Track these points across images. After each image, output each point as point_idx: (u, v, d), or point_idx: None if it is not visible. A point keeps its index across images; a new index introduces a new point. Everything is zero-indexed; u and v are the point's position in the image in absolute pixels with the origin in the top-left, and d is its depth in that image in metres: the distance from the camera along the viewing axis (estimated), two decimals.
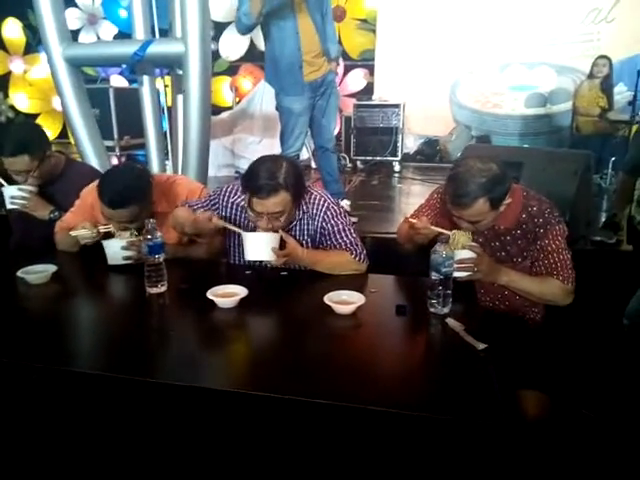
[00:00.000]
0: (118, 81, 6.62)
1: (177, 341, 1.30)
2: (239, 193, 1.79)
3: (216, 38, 6.33)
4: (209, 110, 2.97)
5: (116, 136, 5.40)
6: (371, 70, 6.03)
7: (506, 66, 5.66)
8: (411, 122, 5.70)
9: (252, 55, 6.46)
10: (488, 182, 1.49)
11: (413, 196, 4.31)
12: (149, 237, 1.52)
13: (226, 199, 1.81)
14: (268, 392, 1.04)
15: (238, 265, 1.84)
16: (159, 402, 1.13)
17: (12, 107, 7.17)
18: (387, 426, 1.00)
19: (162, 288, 1.56)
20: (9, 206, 1.97)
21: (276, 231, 1.63)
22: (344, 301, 1.41)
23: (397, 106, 5.21)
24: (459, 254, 1.49)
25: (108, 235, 1.80)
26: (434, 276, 1.38)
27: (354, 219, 3.21)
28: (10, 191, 1.95)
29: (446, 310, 1.39)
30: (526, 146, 5.27)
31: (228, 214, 1.81)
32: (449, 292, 1.39)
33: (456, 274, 1.45)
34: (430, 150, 5.71)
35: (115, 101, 5.29)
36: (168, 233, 1.89)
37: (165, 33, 3.61)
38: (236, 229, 1.67)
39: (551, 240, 1.61)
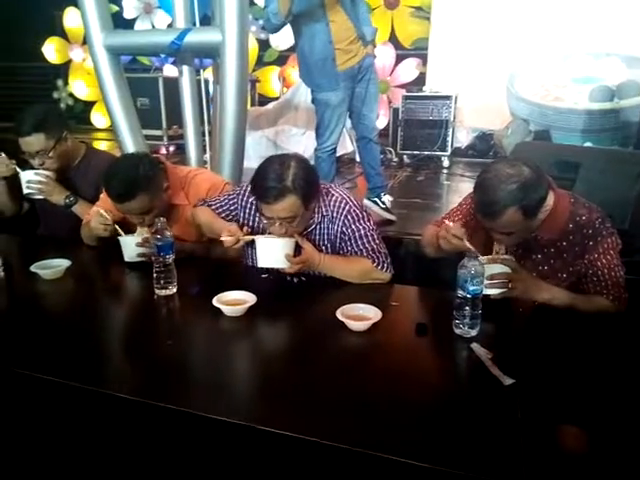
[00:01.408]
0: (171, 71, 6.70)
1: (173, 354, 1.21)
2: None
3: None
4: (245, 101, 2.89)
5: (164, 125, 5.46)
6: (424, 60, 5.78)
7: (570, 56, 5.24)
8: (464, 115, 5.41)
9: None
10: (519, 189, 1.31)
11: (462, 194, 4.02)
12: (158, 236, 1.45)
13: (245, 199, 1.72)
14: (264, 425, 0.93)
15: (254, 267, 1.75)
16: (142, 421, 1.05)
17: (71, 95, 7.43)
18: (387, 473, 0.87)
19: (171, 290, 1.49)
20: (25, 191, 1.95)
21: (291, 236, 1.52)
22: (359, 316, 1.29)
23: (449, 98, 4.94)
24: (491, 268, 1.32)
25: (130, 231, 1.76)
26: (460, 294, 1.23)
27: (393, 217, 3.05)
28: (27, 176, 1.94)
29: (473, 333, 1.23)
30: (588, 144, 4.88)
31: (247, 215, 1.72)
32: (477, 313, 1.24)
33: (487, 291, 1.29)
34: (483, 145, 5.40)
35: (164, 90, 5.34)
36: (187, 228, 1.83)
37: (209, 22, 3.56)
38: (251, 238, 1.57)
39: (601, 254, 1.42)
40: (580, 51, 5.21)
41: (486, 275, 1.28)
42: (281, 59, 6.46)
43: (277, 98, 5.82)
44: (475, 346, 1.18)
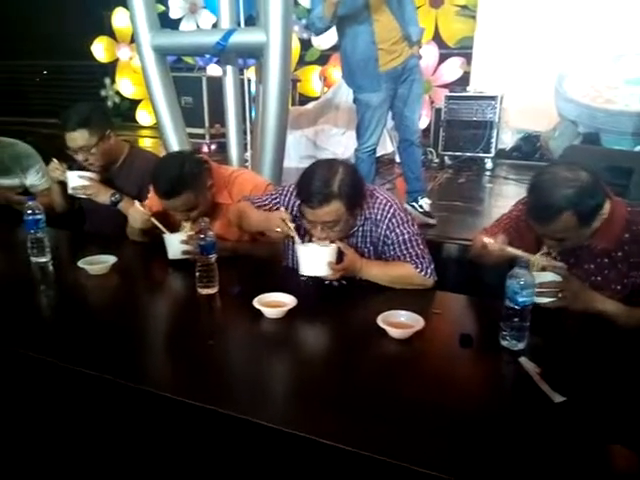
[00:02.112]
0: (214, 70, 6.79)
1: (213, 354, 1.22)
2: None
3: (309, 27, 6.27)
4: (287, 101, 2.89)
5: (207, 124, 5.54)
6: (468, 59, 5.65)
7: (622, 56, 5.01)
8: (509, 115, 5.25)
9: None
10: (576, 193, 1.26)
11: (505, 198, 3.94)
12: (202, 236, 1.46)
13: (287, 199, 1.71)
14: (300, 430, 0.92)
15: (294, 269, 1.74)
16: (179, 420, 1.06)
17: (118, 93, 7.66)
18: None
19: (213, 290, 1.50)
20: (71, 191, 2.00)
21: (332, 241, 1.50)
22: (401, 323, 1.26)
23: (494, 98, 4.81)
24: (541, 277, 1.27)
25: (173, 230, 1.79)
26: (509, 305, 1.19)
27: (432, 221, 2.99)
28: (72, 177, 1.99)
29: (521, 346, 1.19)
30: (639, 149, 4.66)
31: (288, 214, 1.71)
32: (526, 325, 1.19)
33: (537, 299, 1.24)
34: (529, 147, 5.24)
35: (207, 89, 5.42)
36: (230, 227, 1.85)
37: (253, 22, 3.58)
38: (296, 237, 1.56)
39: None
40: (633, 51, 4.97)
41: (536, 283, 1.24)
42: (322, 58, 6.46)
43: (318, 98, 5.82)
44: (523, 360, 1.13)
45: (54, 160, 2.10)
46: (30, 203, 1.71)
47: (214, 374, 1.13)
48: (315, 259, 1.47)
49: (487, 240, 1.41)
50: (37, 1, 8.76)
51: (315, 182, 1.45)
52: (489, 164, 4.93)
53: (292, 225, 1.56)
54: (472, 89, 5.14)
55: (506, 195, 4.07)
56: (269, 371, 1.17)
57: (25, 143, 2.45)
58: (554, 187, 1.28)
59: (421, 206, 3.03)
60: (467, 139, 4.90)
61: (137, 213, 1.82)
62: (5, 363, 1.21)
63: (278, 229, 1.56)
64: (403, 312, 1.29)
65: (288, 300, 1.37)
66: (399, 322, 1.26)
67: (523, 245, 1.40)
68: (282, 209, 1.66)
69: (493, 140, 4.85)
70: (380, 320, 1.25)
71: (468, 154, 4.93)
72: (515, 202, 1.64)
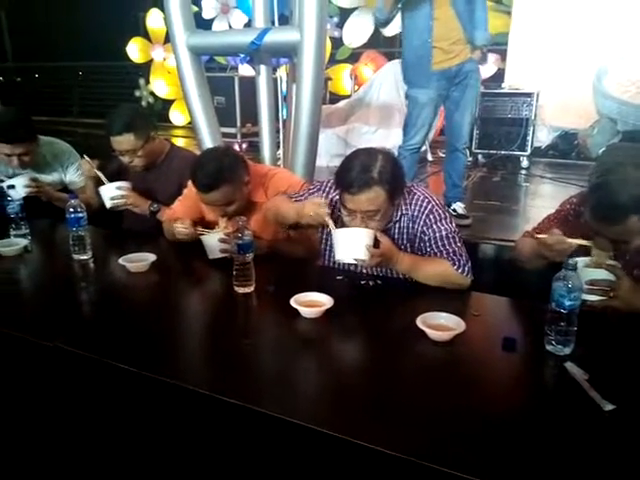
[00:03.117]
0: (246, 70, 6.84)
1: (250, 352, 1.22)
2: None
3: (340, 25, 6.24)
4: (320, 100, 2.88)
5: (238, 123, 5.59)
6: (503, 55, 5.53)
7: None
8: (545, 112, 5.12)
9: (376, 41, 6.27)
10: None
11: (542, 197, 3.85)
12: (239, 235, 1.47)
13: (325, 194, 1.71)
14: (335, 431, 0.91)
15: (330, 268, 1.73)
16: (215, 418, 1.06)
17: (152, 93, 7.79)
18: None
19: (249, 288, 1.51)
20: (109, 204, 2.04)
21: None
22: (441, 325, 1.24)
23: (529, 95, 4.70)
24: (595, 273, 1.23)
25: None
26: (555, 308, 1.15)
27: (467, 221, 2.94)
28: (109, 191, 2.03)
29: (567, 351, 1.15)
30: None
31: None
32: (573, 329, 1.15)
33: (586, 296, 1.20)
34: (566, 145, 5.09)
35: (239, 89, 5.46)
36: (266, 226, 1.85)
37: (286, 21, 3.58)
38: (331, 223, 1.53)
39: None
40: None
41: (587, 279, 1.20)
42: (353, 57, 6.42)
43: (349, 96, 5.79)
44: (569, 365, 1.10)
45: (85, 157, 2.15)
46: (72, 201, 1.75)
47: (250, 372, 1.14)
48: (352, 242, 1.44)
49: (541, 236, 1.37)
50: (74, 5, 9.02)
51: (355, 168, 1.44)
52: (525, 162, 4.81)
53: (327, 211, 1.54)
54: (507, 86, 5.03)
55: (542, 194, 3.98)
56: (305, 371, 1.17)
57: (64, 142, 2.51)
58: (625, 187, 1.24)
59: (454, 210, 2.98)
60: (502, 137, 4.80)
61: (182, 226, 1.83)
62: (47, 358, 1.24)
63: (312, 213, 1.55)
64: (443, 314, 1.26)
65: (325, 300, 1.36)
66: (439, 324, 1.24)
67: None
68: (318, 194, 1.66)
69: (529, 138, 4.74)
70: (419, 321, 1.22)
71: (503, 152, 4.83)
72: (561, 202, 1.60)
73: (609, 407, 0.96)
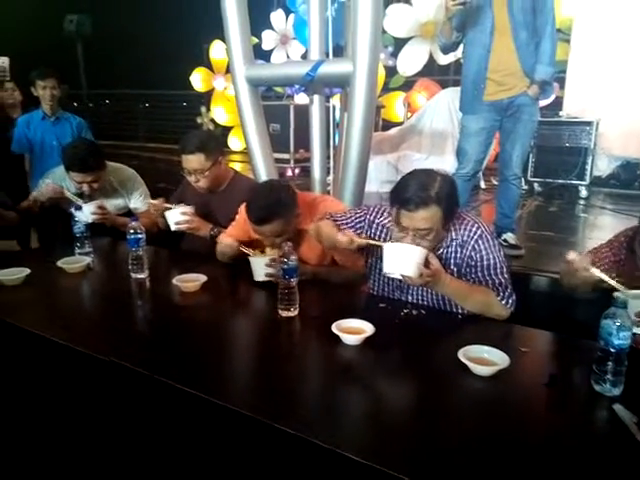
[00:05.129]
0: (302, 98, 7.05)
1: (291, 375, 1.26)
2: (385, 214, 1.72)
3: (395, 54, 6.33)
4: (371, 129, 2.93)
5: (292, 149, 5.75)
6: (561, 83, 5.41)
7: None
8: (606, 141, 4.93)
9: (430, 69, 6.31)
10: None
11: (601, 229, 3.69)
12: (285, 260, 1.52)
13: (372, 218, 1.74)
14: (373, 462, 0.91)
15: (374, 295, 1.75)
16: (255, 439, 1.09)
17: (212, 120, 8.16)
18: None
19: (293, 312, 1.54)
20: (173, 228, 2.16)
21: None
22: (483, 359, 1.22)
23: (589, 124, 4.57)
24: None
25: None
26: (603, 347, 1.11)
27: (520, 252, 2.87)
28: (174, 216, 2.15)
29: (616, 392, 1.11)
30: None
31: (373, 233, 1.73)
32: (622, 369, 1.11)
33: (636, 330, 1.16)
34: (628, 175, 4.88)
35: (294, 117, 5.63)
36: (311, 252, 1.90)
37: (341, 51, 3.69)
38: (378, 243, 1.55)
39: None
40: None
41: (636, 311, 1.15)
42: (407, 84, 6.48)
43: (401, 123, 5.83)
44: (618, 408, 1.05)
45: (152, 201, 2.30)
46: (133, 223, 1.87)
47: (289, 395, 1.16)
48: (404, 257, 1.44)
49: (572, 256, 1.34)
50: (144, 37, 9.66)
51: (414, 186, 1.47)
52: (583, 192, 4.64)
53: (363, 236, 1.58)
54: (565, 114, 4.91)
55: (602, 226, 3.81)
56: (343, 397, 1.18)
57: (130, 167, 2.69)
58: None
59: (505, 240, 2.91)
60: (559, 165, 4.67)
61: (226, 248, 1.94)
62: (103, 372, 1.32)
63: (344, 238, 1.56)
64: (486, 347, 1.25)
65: (366, 327, 1.38)
66: (481, 358, 1.22)
67: (623, 277, 1.31)
68: (363, 218, 1.74)
69: (588, 167, 4.58)
70: (461, 354, 1.21)
71: (560, 181, 4.69)
72: (616, 233, 1.55)
73: None
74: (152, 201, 2.30)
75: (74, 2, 9.19)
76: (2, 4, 9.41)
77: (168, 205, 2.20)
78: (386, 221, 1.71)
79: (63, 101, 3.39)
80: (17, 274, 1.81)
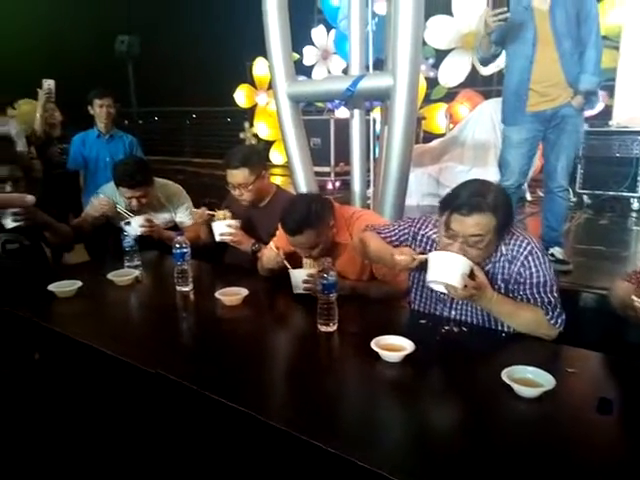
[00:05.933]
0: (342, 112, 7.10)
1: (329, 391, 1.25)
2: (430, 225, 1.70)
3: (436, 65, 6.30)
4: (412, 142, 2.92)
5: (332, 163, 5.79)
6: (610, 92, 5.23)
7: None
8: None
9: (473, 80, 6.24)
10: None
11: None
12: (324, 275, 1.52)
13: (416, 229, 1.73)
14: None
15: (414, 311, 1.73)
16: (291, 454, 1.09)
17: (255, 135, 8.33)
18: None
19: (332, 327, 1.54)
20: (218, 239, 2.24)
21: None
22: (528, 381, 1.18)
23: None
24: None
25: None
26: None
27: (568, 267, 2.77)
28: (219, 227, 2.22)
29: None
30: None
31: (417, 245, 1.71)
32: None
33: None
34: None
35: (335, 130, 5.69)
36: (349, 266, 1.90)
37: (381, 65, 3.71)
38: (426, 256, 1.51)
39: None
40: None
41: None
42: (449, 96, 6.43)
43: (443, 135, 5.77)
44: None
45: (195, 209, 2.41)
46: (179, 238, 1.93)
47: (327, 411, 1.16)
48: (449, 266, 1.41)
49: (624, 283, 1.28)
50: (190, 56, 10.01)
51: (469, 191, 1.46)
52: (635, 204, 4.45)
53: (418, 251, 1.56)
54: (615, 123, 4.73)
55: None
56: (383, 415, 1.17)
57: (176, 183, 2.78)
58: None
59: (552, 254, 2.82)
60: (609, 177, 4.49)
61: (271, 254, 1.96)
62: (149, 384, 1.36)
63: (403, 257, 1.54)
64: (530, 368, 1.21)
65: (406, 344, 1.36)
66: (525, 379, 1.19)
67: None
68: (407, 229, 1.75)
69: None
70: (505, 375, 1.18)
71: (610, 193, 4.51)
72: None
73: None
74: (195, 210, 2.37)
75: (124, 24, 9.62)
76: (58, 29, 9.98)
77: (211, 212, 2.28)
78: (431, 232, 1.69)
79: (115, 119, 3.55)
80: (70, 286, 1.89)
